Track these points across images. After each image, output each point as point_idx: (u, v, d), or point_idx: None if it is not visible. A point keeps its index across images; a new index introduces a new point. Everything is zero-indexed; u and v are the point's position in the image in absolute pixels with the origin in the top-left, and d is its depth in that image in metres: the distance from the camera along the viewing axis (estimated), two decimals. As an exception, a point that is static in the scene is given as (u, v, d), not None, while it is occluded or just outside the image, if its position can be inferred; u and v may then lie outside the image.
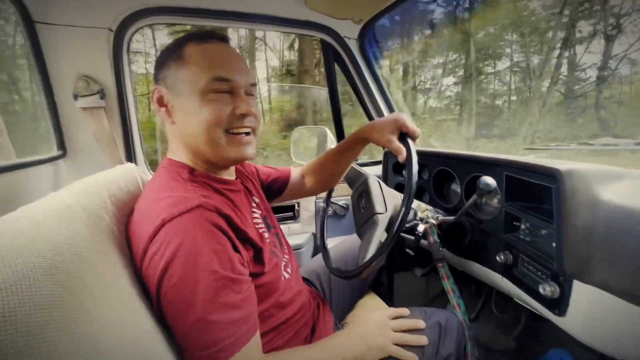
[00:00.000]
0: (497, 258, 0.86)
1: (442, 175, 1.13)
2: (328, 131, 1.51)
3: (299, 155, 1.57)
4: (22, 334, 0.29)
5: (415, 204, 1.08)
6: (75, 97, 1.00)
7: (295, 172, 1.00)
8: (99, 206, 0.56)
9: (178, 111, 0.63)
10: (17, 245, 0.36)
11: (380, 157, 1.53)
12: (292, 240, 1.35)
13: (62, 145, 1.04)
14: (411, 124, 0.76)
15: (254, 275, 0.60)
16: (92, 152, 1.07)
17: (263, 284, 0.63)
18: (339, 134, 1.55)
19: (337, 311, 0.96)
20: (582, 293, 0.65)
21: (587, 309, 0.65)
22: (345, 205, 1.49)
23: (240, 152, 0.64)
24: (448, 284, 1.02)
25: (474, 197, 0.84)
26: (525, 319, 1.13)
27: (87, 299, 0.39)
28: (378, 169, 1.52)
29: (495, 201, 0.93)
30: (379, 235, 0.82)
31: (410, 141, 0.75)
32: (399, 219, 0.72)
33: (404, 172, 1.40)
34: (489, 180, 0.79)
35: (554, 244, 0.70)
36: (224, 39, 0.65)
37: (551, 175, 0.70)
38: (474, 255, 1.00)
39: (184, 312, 0.49)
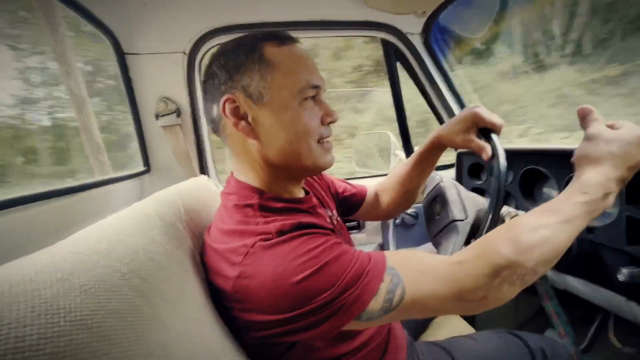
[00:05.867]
0: (620, 275, 0.69)
1: (530, 176, 0.97)
2: (391, 135, 1.42)
3: (362, 163, 1.51)
4: (97, 338, 0.29)
5: (504, 209, 0.94)
6: (157, 117, 1.10)
7: (370, 190, 0.91)
8: (174, 214, 0.59)
9: (262, 124, 0.54)
10: (100, 250, 0.37)
11: (449, 161, 1.40)
12: (359, 251, 1.29)
13: (147, 162, 1.15)
14: (489, 116, 0.66)
15: None
16: (171, 167, 1.16)
17: None
18: (405, 139, 1.46)
19: (410, 329, 0.86)
20: None
21: None
22: (414, 214, 1.38)
23: (329, 159, 0.60)
24: (550, 306, 0.86)
25: None
26: None
27: (160, 306, 0.39)
28: (450, 173, 1.38)
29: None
30: (460, 244, 0.72)
31: (493, 136, 0.65)
32: (486, 225, 0.62)
33: (481, 175, 1.25)
34: None
35: None
36: (295, 39, 0.59)
37: None
38: (583, 271, 0.82)
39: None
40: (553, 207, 0.49)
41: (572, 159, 0.54)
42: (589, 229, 0.78)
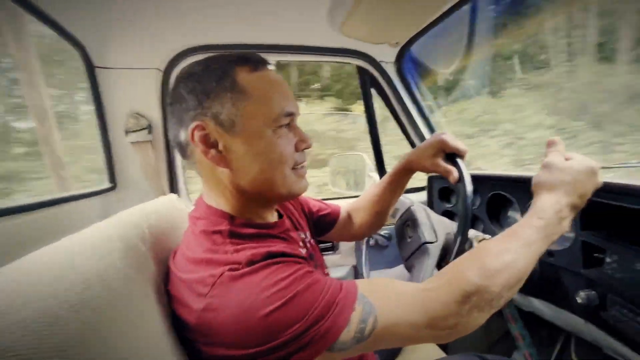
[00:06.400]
0: (577, 298, 0.72)
1: (496, 201, 1.01)
2: (366, 157, 1.46)
3: (337, 183, 1.53)
4: None
5: (472, 232, 0.97)
6: (126, 132, 1.06)
7: (343, 210, 0.91)
8: (137, 236, 0.55)
9: (234, 152, 0.52)
10: (48, 278, 0.34)
11: (420, 184, 1.45)
12: (331, 273, 1.27)
13: (113, 178, 1.09)
14: (454, 142, 0.70)
15: None
16: (139, 184, 1.11)
17: None
18: (379, 162, 1.49)
19: (382, 354, 0.85)
20: None
21: None
22: (387, 235, 1.40)
23: (304, 185, 0.59)
24: (516, 329, 0.88)
25: None
26: None
27: (112, 340, 0.36)
28: (422, 196, 1.42)
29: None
30: (431, 267, 0.73)
31: (459, 160, 0.69)
32: (455, 248, 0.64)
33: (451, 199, 1.29)
34: None
35: None
36: (268, 63, 0.57)
37: None
38: (545, 293, 0.85)
39: None
40: (514, 232, 0.52)
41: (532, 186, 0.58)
42: (549, 253, 0.81)
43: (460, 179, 0.66)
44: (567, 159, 0.57)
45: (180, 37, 1.05)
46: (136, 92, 1.07)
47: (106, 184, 1.08)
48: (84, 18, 0.87)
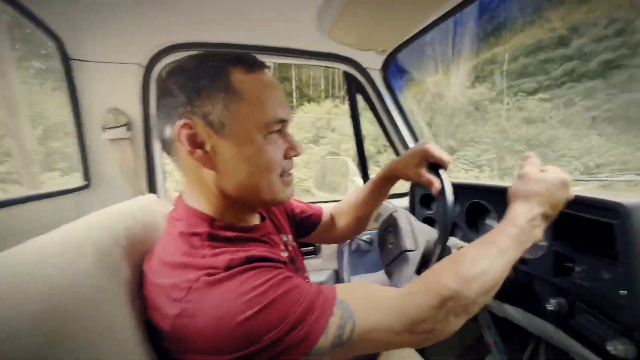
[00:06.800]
0: (548, 305, 0.75)
1: (475, 209, 1.04)
2: (350, 162, 1.47)
3: (321, 186, 1.53)
4: None
5: (451, 240, 0.99)
6: (104, 129, 1.02)
7: (326, 212, 0.91)
8: (111, 239, 0.53)
9: (221, 155, 0.51)
10: (10, 286, 0.32)
11: (404, 189, 1.47)
12: (312, 277, 1.27)
13: (87, 176, 1.05)
14: (438, 152, 0.71)
15: None
16: (115, 183, 1.07)
17: None
18: (363, 168, 1.50)
19: (359, 357, 0.86)
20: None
21: None
22: (368, 240, 1.41)
23: (289, 193, 0.58)
24: (489, 335, 0.90)
25: None
26: None
27: (81, 351, 0.34)
28: (404, 202, 1.44)
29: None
30: (410, 274, 0.74)
31: (441, 172, 0.70)
32: (435, 257, 0.65)
33: (432, 206, 1.31)
34: None
35: (621, 292, 0.60)
36: (265, 65, 0.56)
37: (613, 210, 0.61)
38: (518, 300, 0.88)
39: None
40: (489, 239, 0.54)
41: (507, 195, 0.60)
42: (523, 261, 0.84)
43: (442, 191, 0.67)
44: (542, 171, 0.60)
45: (163, 32, 1.02)
46: (115, 88, 1.03)
47: (79, 182, 1.03)
48: (61, 7, 0.83)
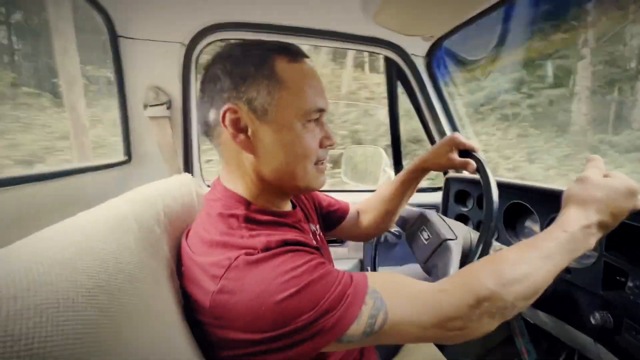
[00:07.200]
0: (592, 319, 0.70)
1: (515, 209, 0.98)
2: (383, 152, 1.42)
3: (350, 175, 1.50)
4: None
5: None
6: (145, 106, 1.05)
7: (352, 208, 0.92)
8: (152, 217, 0.55)
9: (262, 140, 0.52)
10: (64, 258, 0.33)
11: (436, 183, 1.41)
12: (337, 266, 1.26)
13: (128, 151, 1.09)
14: (467, 140, 0.73)
15: None
16: (153, 160, 1.11)
17: None
18: (397, 158, 1.46)
19: (381, 351, 0.85)
20: None
21: None
22: (397, 233, 1.38)
23: (322, 181, 0.59)
24: (522, 343, 0.87)
25: None
26: None
27: (124, 325, 0.35)
28: (436, 197, 1.39)
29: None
30: (456, 262, 0.71)
31: (476, 153, 0.70)
32: (480, 247, 0.62)
33: (467, 202, 1.26)
34: None
35: None
36: (306, 55, 0.57)
37: None
38: (556, 309, 0.84)
39: None
40: (535, 243, 0.51)
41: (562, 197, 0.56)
42: (567, 270, 0.79)
43: (479, 167, 0.67)
44: (605, 176, 0.55)
45: (206, 12, 1.02)
46: (157, 65, 1.05)
47: (121, 157, 1.08)
48: None
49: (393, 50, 1.23)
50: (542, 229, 0.88)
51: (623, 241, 0.69)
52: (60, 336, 0.27)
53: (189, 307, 0.49)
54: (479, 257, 0.62)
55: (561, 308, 0.82)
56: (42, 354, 0.25)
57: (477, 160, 0.69)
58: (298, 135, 0.53)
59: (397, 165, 1.47)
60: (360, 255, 1.38)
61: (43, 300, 0.28)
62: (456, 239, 0.75)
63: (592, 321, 0.70)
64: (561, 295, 0.81)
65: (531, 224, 1.00)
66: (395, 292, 0.46)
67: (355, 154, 1.57)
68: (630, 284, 0.66)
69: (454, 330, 0.45)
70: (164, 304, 0.46)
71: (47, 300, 0.28)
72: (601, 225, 0.52)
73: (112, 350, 0.32)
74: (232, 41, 0.64)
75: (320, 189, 0.62)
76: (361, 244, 1.37)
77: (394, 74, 1.33)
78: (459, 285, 0.47)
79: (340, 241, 1.35)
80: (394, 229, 1.37)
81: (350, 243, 1.36)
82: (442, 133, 1.36)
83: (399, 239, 1.38)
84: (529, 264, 0.48)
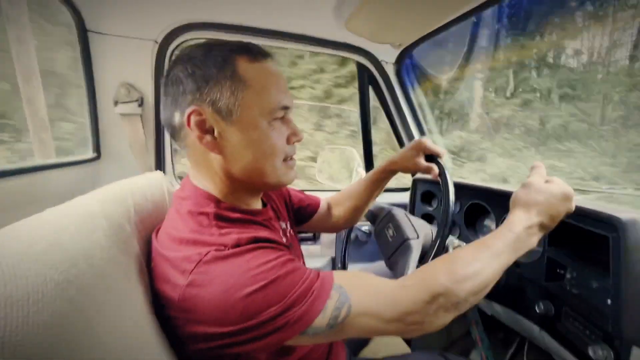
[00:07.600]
0: (536, 308, 0.77)
1: (474, 209, 1.06)
2: (355, 153, 1.48)
3: (323, 175, 1.54)
4: (21, 357, 0.27)
5: (449, 239, 1.01)
6: (116, 103, 1.03)
7: (323, 202, 0.95)
8: (122, 215, 0.55)
9: (228, 140, 0.53)
10: (34, 253, 0.34)
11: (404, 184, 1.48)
12: (310, 263, 1.29)
13: (97, 148, 1.06)
14: (433, 145, 0.78)
15: None
16: (123, 157, 1.09)
17: None
18: (368, 159, 1.51)
19: (351, 344, 0.89)
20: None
21: None
22: (367, 231, 1.43)
23: (292, 176, 0.60)
24: (476, 332, 0.94)
25: None
26: None
27: (95, 318, 0.36)
28: (404, 197, 1.45)
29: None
30: (414, 261, 0.76)
31: (439, 160, 0.76)
32: (436, 245, 0.68)
33: (432, 202, 1.33)
34: None
35: (608, 301, 0.62)
36: (269, 54, 0.57)
37: (610, 224, 0.62)
38: (508, 300, 0.91)
39: None
40: (485, 242, 0.55)
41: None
42: (516, 264, 0.86)
43: (441, 173, 0.73)
44: (546, 182, 0.61)
45: (180, 10, 1.01)
46: (129, 62, 1.03)
47: (90, 154, 1.05)
48: None
49: (364, 56, 1.27)
50: (497, 226, 0.95)
51: (562, 238, 0.76)
52: (29, 327, 0.28)
53: (159, 303, 0.50)
54: (434, 257, 0.68)
55: (512, 299, 0.89)
56: (13, 343, 0.27)
57: (440, 166, 0.75)
58: (264, 133, 0.53)
59: (369, 167, 1.52)
60: (333, 253, 1.42)
61: (12, 292, 0.29)
62: (418, 238, 0.80)
63: (537, 310, 0.77)
64: (512, 287, 0.88)
65: (489, 222, 1.08)
66: (359, 288, 0.49)
67: (329, 154, 1.62)
68: (568, 275, 0.73)
69: (413, 324, 0.48)
70: (134, 299, 0.47)
71: (17, 294, 0.29)
72: (542, 226, 0.58)
73: (81, 341, 0.33)
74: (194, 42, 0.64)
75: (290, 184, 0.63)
76: (333, 242, 1.40)
77: (366, 79, 1.38)
78: (418, 282, 0.50)
79: (313, 238, 1.38)
80: (365, 227, 1.42)
81: (323, 241, 1.39)
82: (410, 137, 1.42)
83: (369, 237, 1.44)
84: (480, 261, 0.52)
